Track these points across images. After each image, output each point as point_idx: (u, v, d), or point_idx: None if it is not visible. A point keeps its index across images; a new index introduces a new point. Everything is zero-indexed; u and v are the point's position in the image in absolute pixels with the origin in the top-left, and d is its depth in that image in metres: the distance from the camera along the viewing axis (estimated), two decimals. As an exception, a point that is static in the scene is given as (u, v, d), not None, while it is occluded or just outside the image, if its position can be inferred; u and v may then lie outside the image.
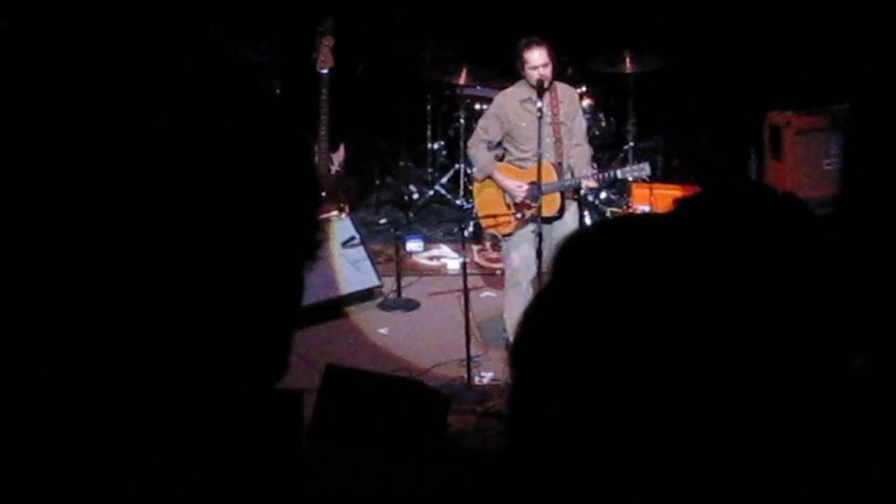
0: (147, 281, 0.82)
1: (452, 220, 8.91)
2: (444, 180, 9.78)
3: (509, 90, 7.10)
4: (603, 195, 9.07)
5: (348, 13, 9.09)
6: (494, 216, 7.06)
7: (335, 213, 7.93)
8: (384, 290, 7.96)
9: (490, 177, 7.08)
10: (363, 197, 9.66)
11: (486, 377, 6.81)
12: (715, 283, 0.89)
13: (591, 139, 7.86)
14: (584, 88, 8.97)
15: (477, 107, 9.27)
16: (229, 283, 0.85)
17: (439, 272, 8.55)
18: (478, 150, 7.11)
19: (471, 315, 6.76)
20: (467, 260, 7.38)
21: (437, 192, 9.78)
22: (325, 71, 8.39)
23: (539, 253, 6.60)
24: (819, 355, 0.88)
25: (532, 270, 6.70)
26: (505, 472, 0.95)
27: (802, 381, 0.88)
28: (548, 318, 0.94)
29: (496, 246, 8.12)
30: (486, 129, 7.09)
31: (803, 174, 8.34)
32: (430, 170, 9.97)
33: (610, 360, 0.88)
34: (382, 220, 9.49)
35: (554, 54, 6.85)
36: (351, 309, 7.78)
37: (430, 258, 8.79)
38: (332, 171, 8.60)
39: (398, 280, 7.97)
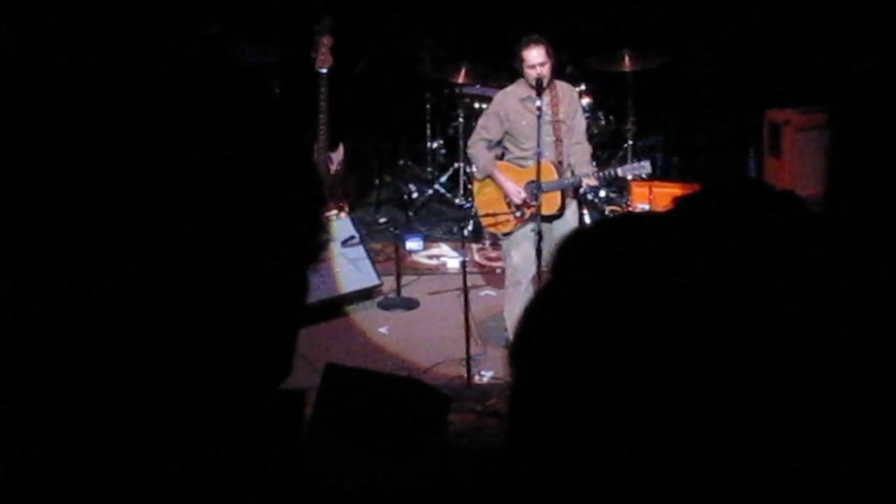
0: (151, 282, 0.82)
1: (452, 219, 8.92)
2: (443, 179, 9.79)
3: (509, 89, 7.11)
4: (603, 193, 9.08)
5: (347, 12, 9.09)
6: (494, 215, 7.06)
7: (335, 212, 7.94)
8: (384, 289, 7.97)
9: (490, 176, 7.08)
10: (362, 196, 9.67)
11: (486, 376, 6.81)
12: (715, 282, 0.89)
13: (591, 137, 7.85)
14: (583, 87, 8.99)
15: (476, 105, 9.27)
16: (233, 284, 0.86)
17: (439, 271, 8.55)
18: (478, 149, 7.11)
19: (470, 314, 6.76)
20: (467, 259, 7.38)
21: (436, 191, 9.79)
22: (324, 70, 8.40)
23: (539, 251, 6.60)
24: (817, 351, 0.88)
25: (532, 269, 6.71)
26: (505, 471, 0.95)
27: (801, 376, 0.88)
28: (548, 317, 0.94)
29: (496, 244, 8.12)
30: (486, 127, 7.09)
31: (802, 172, 8.35)
32: (429, 169, 9.98)
33: (610, 358, 0.88)
34: (382, 219, 9.50)
35: (552, 53, 6.85)
36: (351, 308, 7.78)
37: (430, 257, 8.79)
38: (332, 171, 8.62)
39: (398, 279, 7.97)
